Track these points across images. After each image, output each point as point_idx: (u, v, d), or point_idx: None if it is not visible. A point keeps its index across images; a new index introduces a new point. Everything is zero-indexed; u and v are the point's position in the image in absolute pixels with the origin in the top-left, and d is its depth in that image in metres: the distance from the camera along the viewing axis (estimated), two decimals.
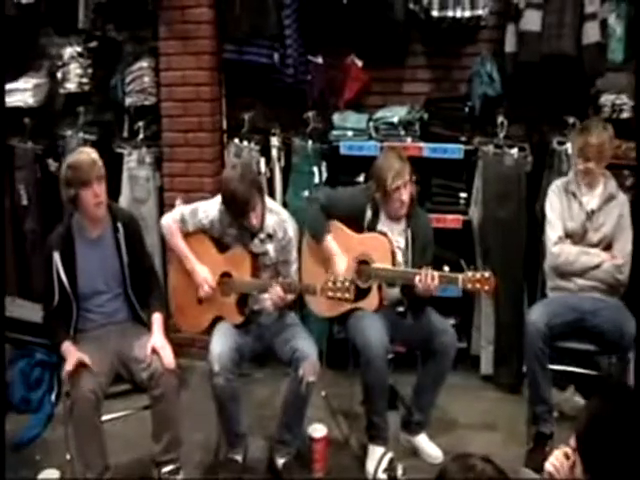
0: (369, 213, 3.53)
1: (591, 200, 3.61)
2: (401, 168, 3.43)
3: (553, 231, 3.62)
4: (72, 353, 3.13)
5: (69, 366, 3.06)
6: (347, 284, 3.19)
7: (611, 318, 3.43)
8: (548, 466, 2.00)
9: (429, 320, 3.52)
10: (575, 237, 3.62)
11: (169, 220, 3.54)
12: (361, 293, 3.49)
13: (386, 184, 3.42)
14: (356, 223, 3.53)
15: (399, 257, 3.52)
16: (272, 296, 3.31)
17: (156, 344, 3.21)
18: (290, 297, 3.35)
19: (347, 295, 3.20)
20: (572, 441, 1.92)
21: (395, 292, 3.56)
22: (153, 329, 3.30)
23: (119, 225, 3.32)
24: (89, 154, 3.23)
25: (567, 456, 2.00)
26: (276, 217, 3.44)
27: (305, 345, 3.34)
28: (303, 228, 3.66)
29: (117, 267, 3.33)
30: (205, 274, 3.44)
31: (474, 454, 1.72)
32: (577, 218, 3.61)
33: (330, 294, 3.21)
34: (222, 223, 3.44)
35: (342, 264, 3.51)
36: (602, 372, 3.58)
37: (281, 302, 3.31)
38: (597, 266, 3.54)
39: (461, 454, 1.75)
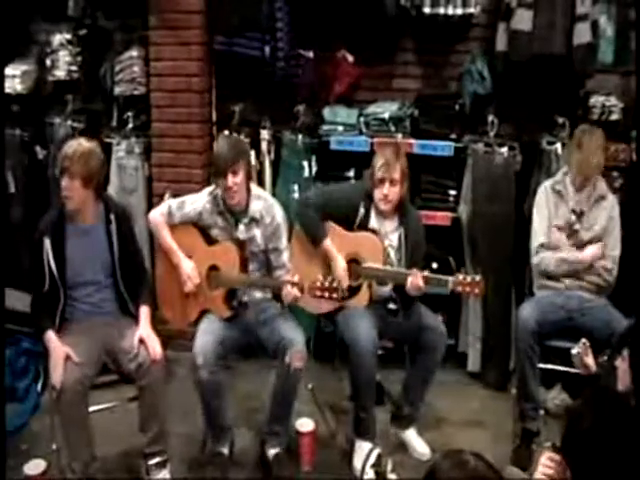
0: (362, 210, 3.51)
1: (580, 201, 3.64)
2: (391, 162, 3.43)
3: (535, 239, 3.65)
4: (56, 346, 3.12)
5: (57, 367, 3.05)
6: (335, 284, 3.20)
7: (599, 316, 3.46)
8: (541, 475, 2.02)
9: (419, 316, 3.52)
10: (563, 238, 3.64)
11: (156, 214, 3.52)
12: (351, 291, 3.49)
13: (373, 171, 3.46)
14: (348, 221, 3.52)
15: (392, 255, 3.52)
16: (286, 296, 3.27)
17: (143, 335, 3.21)
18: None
19: (335, 295, 3.20)
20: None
21: (387, 289, 3.56)
22: (140, 322, 3.29)
23: (112, 217, 3.30)
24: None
25: (552, 459, 2.02)
26: (263, 202, 3.44)
27: (291, 333, 3.32)
28: (293, 224, 3.65)
29: (107, 258, 3.31)
30: (189, 270, 3.43)
31: (465, 450, 1.70)
32: (565, 218, 3.64)
33: (318, 293, 3.21)
34: (210, 213, 3.43)
35: (340, 268, 3.49)
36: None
37: (294, 299, 3.29)
38: (578, 271, 3.58)
39: (452, 450, 1.73)
